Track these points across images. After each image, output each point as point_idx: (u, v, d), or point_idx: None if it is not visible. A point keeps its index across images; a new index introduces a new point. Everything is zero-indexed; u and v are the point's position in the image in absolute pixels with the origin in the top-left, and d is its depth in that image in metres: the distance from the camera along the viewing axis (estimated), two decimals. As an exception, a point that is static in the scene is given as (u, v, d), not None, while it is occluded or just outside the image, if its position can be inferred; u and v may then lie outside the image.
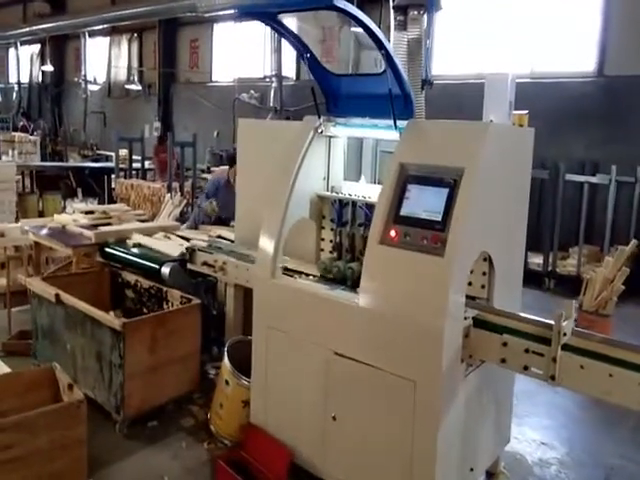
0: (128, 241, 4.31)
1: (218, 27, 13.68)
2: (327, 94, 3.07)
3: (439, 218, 2.38)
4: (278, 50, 11.13)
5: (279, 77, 11.18)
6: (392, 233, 2.49)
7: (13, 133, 12.54)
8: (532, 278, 6.37)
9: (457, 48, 8.86)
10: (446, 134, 2.54)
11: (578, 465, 3.31)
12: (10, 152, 11.12)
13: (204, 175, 9.73)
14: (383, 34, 2.46)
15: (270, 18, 2.79)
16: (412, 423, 2.39)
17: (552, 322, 2.30)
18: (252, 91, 11.96)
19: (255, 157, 3.74)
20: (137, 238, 4.33)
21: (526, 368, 2.36)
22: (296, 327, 2.82)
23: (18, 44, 18.98)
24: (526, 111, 2.79)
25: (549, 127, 7.21)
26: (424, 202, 2.46)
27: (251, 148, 3.81)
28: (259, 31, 12.27)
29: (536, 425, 3.73)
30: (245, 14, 2.90)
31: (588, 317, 4.92)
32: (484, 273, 2.72)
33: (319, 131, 3.06)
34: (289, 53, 11.57)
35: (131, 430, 3.31)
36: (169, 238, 4.46)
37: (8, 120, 15.82)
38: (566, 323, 2.30)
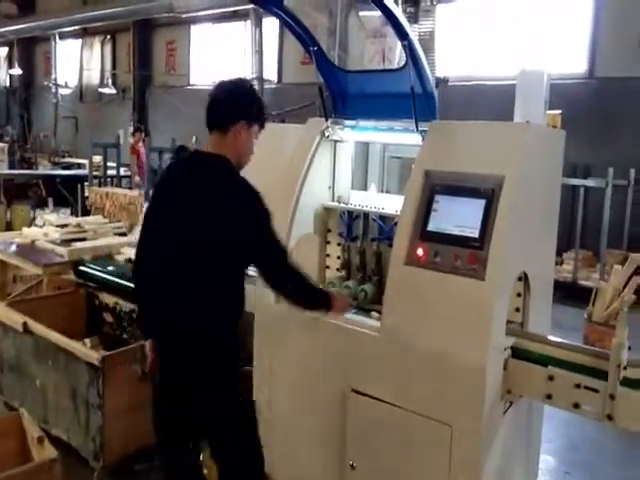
0: (117, 257, 3.87)
1: (195, 28, 13.25)
2: (334, 93, 2.72)
3: (476, 234, 2.06)
4: (259, 52, 10.76)
5: (260, 79, 10.81)
6: (419, 252, 2.16)
7: (-21, 139, 11.88)
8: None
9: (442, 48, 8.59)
10: (479, 137, 2.21)
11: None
12: (-24, 160, 10.49)
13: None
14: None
15: (276, 5, 2.44)
16: (447, 473, 2.06)
17: (607, 351, 2.01)
18: (232, 95, 11.55)
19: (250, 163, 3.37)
20: (129, 253, 3.86)
21: (576, 406, 2.06)
22: (305, 358, 2.46)
23: (-16, 47, 18.25)
24: (559, 111, 2.48)
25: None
26: (456, 216, 2.13)
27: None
28: (238, 32, 11.91)
29: (557, 451, 3.45)
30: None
31: (598, 329, 4.68)
32: (518, 294, 2.40)
33: (326, 135, 2.72)
34: (270, 55, 11.23)
35: (113, 478, 2.89)
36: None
37: (-26, 126, 15.08)
38: (625, 353, 2.01)
